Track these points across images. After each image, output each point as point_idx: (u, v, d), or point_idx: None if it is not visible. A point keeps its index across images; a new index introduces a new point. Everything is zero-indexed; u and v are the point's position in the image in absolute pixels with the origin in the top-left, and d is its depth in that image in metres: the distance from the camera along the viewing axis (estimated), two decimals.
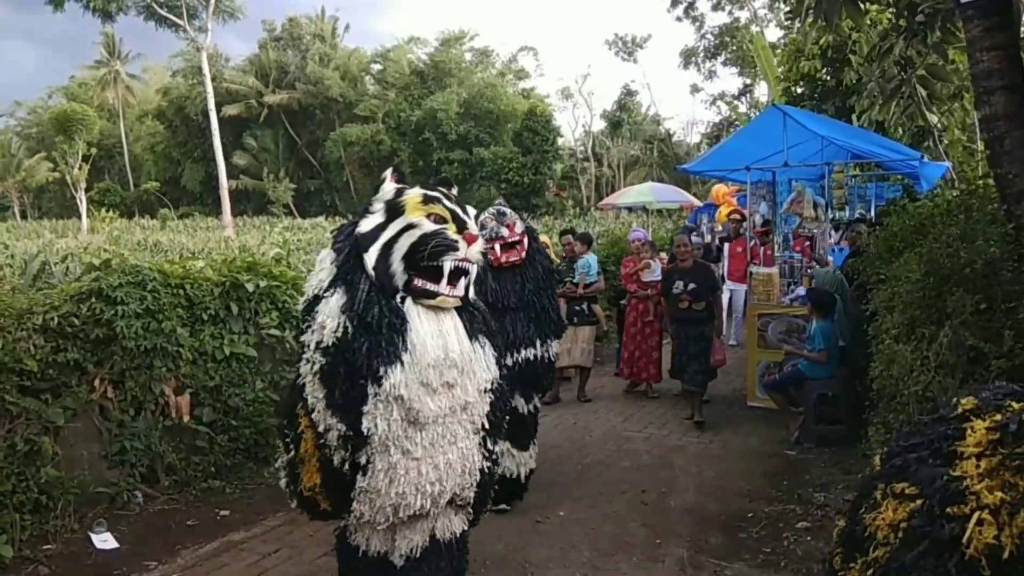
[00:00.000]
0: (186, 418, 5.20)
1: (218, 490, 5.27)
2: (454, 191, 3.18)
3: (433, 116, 39.05)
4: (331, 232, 3.12)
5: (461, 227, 2.84)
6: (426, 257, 2.73)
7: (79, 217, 34.02)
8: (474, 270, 2.91)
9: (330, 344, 2.67)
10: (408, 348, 2.67)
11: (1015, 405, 1.82)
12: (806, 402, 6.20)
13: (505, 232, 4.63)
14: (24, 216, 45.40)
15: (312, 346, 2.75)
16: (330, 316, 2.68)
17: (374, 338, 2.66)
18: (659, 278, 7.63)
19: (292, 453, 3.03)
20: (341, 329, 2.65)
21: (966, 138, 10.61)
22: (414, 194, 2.87)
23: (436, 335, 2.77)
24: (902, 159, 8.98)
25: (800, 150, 8.76)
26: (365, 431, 2.69)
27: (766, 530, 4.48)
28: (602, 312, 8.25)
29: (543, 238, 9.21)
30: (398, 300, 2.76)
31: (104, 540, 4.46)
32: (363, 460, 2.75)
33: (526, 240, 4.69)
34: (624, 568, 4.07)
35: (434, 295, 2.78)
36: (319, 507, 3.11)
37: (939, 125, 8.23)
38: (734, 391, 8.01)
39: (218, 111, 34.99)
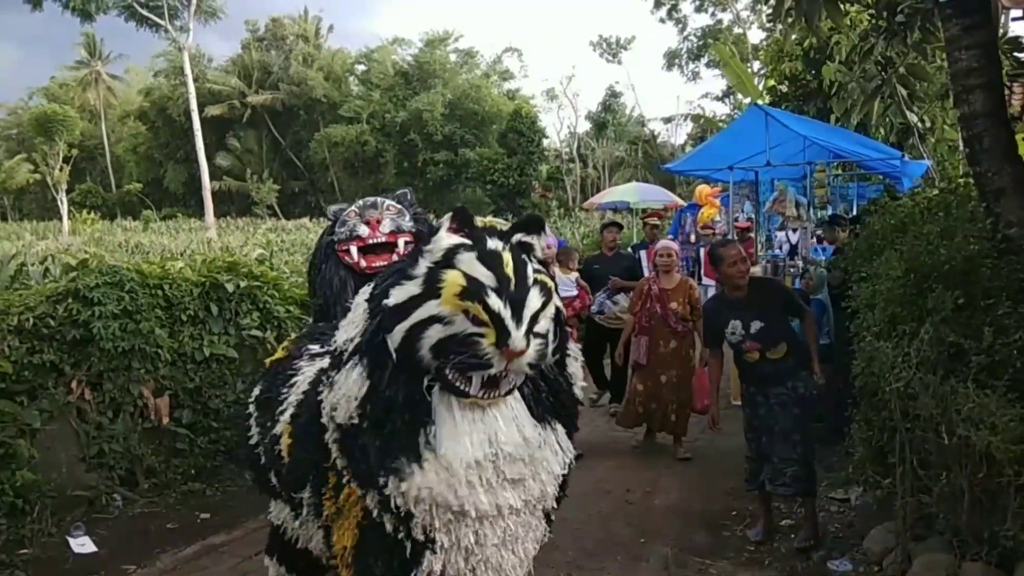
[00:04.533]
0: (165, 420, 5.15)
1: (198, 493, 5.22)
2: (541, 239, 2.40)
3: (418, 117, 38.90)
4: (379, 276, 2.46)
5: (502, 336, 2.13)
6: (451, 366, 2.20)
7: (60, 219, 33.68)
8: (522, 374, 2.27)
9: (342, 424, 2.31)
10: (432, 448, 2.22)
11: None
12: None
13: (364, 231, 3.59)
14: (4, 218, 44.81)
15: (328, 409, 2.38)
16: (344, 397, 2.27)
17: (388, 440, 2.24)
18: (574, 294, 6.42)
19: (318, 501, 2.63)
20: (354, 417, 2.27)
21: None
22: (454, 278, 2.15)
23: (478, 429, 2.26)
24: (883, 158, 9.05)
25: (782, 150, 8.81)
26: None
27: (750, 528, 4.49)
28: None
29: None
30: (424, 387, 2.24)
31: (82, 544, 4.41)
32: (420, 535, 2.27)
33: (403, 243, 3.60)
34: (608, 568, 4.06)
35: (465, 395, 2.23)
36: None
37: (918, 124, 8.29)
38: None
39: (201, 112, 34.73)
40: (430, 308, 2.17)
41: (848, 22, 7.83)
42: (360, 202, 3.76)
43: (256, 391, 3.29)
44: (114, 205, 44.10)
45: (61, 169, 33.46)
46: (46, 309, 4.77)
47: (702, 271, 10.48)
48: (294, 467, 2.76)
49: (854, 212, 10.47)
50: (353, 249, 3.58)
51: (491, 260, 2.19)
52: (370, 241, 3.59)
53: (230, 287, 5.63)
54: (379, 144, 40.89)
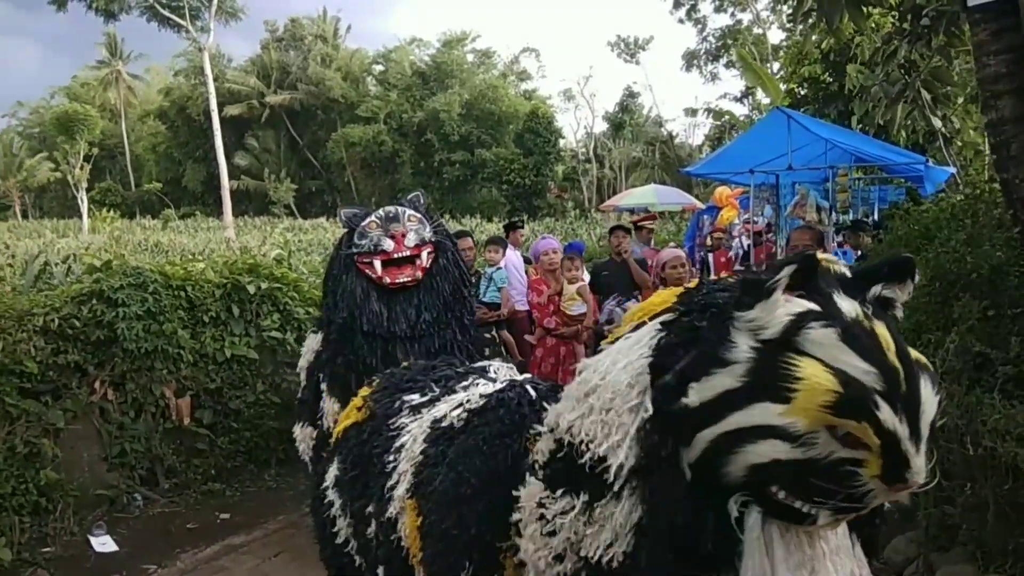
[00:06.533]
0: (186, 420, 5.19)
1: (218, 493, 5.26)
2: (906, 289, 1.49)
3: (435, 117, 39.01)
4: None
5: (895, 467, 1.34)
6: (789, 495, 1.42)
7: (80, 217, 34.03)
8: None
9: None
10: None
11: None
12: None
13: (389, 245, 3.57)
14: (25, 216, 45.38)
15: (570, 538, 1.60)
16: (612, 535, 1.54)
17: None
18: (583, 310, 5.55)
19: None
20: (617, 556, 1.57)
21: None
22: (818, 378, 1.31)
23: (805, 567, 1.48)
24: (907, 162, 8.98)
25: (804, 153, 8.75)
26: None
27: None
28: (512, 340, 6.01)
29: None
30: (733, 506, 1.45)
31: (103, 543, 4.45)
32: None
33: (425, 254, 3.61)
34: None
35: (802, 521, 1.44)
36: None
37: (943, 129, 8.20)
38: None
39: (220, 111, 34.90)
40: (766, 415, 1.37)
41: (872, 24, 7.77)
42: (381, 212, 3.73)
43: (333, 472, 2.53)
44: (133, 203, 44.55)
45: (81, 168, 33.79)
46: (71, 310, 4.83)
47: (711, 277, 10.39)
48: (444, 551, 1.96)
49: (875, 216, 10.40)
50: (376, 263, 3.59)
51: (864, 342, 1.34)
52: (395, 256, 3.59)
53: (251, 289, 5.67)
54: (396, 144, 41.03)
